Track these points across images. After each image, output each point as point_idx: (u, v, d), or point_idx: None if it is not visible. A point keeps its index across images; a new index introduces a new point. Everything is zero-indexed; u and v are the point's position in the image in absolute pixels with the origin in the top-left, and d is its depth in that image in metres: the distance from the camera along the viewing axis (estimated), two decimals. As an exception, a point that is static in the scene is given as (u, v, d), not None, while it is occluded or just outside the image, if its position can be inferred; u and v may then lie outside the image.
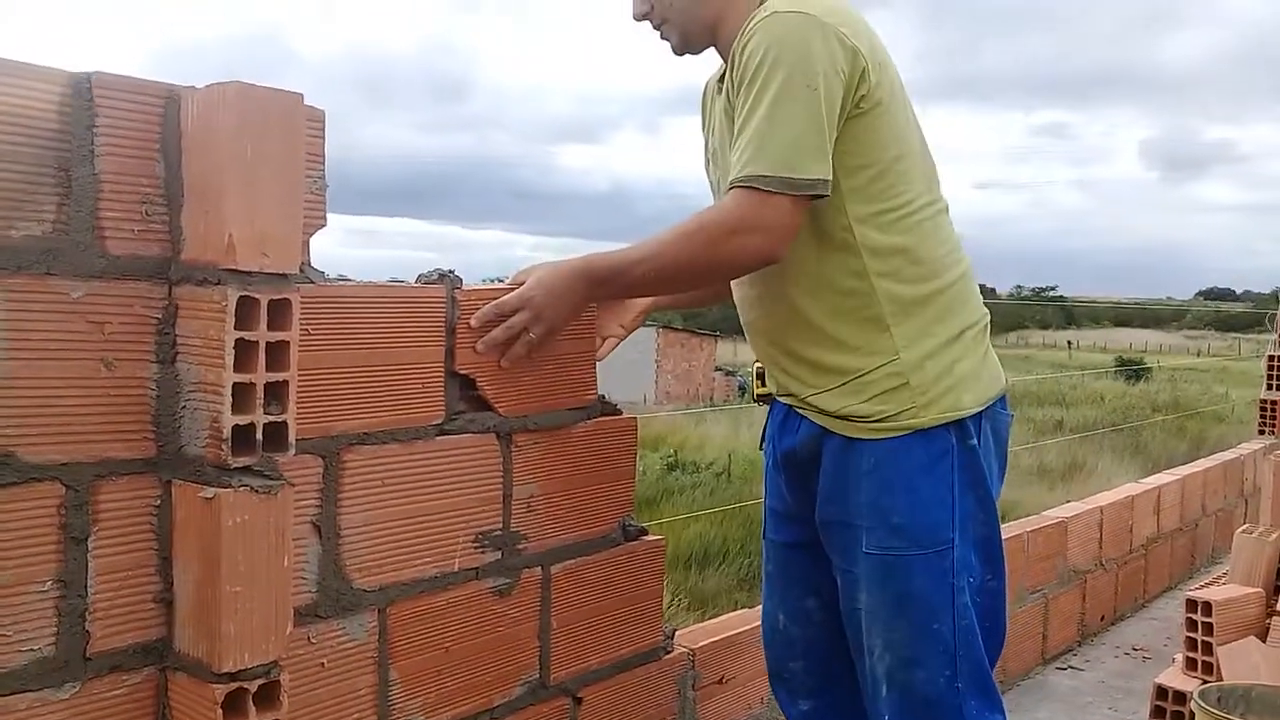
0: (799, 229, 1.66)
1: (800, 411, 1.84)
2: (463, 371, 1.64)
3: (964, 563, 1.76)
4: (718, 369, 31.85)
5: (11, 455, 1.15)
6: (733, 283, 1.91)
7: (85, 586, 1.22)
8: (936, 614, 1.73)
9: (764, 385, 1.98)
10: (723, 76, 1.82)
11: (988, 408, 1.81)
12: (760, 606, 2.03)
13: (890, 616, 1.74)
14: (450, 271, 1.67)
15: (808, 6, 1.63)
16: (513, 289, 1.70)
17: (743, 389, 29.28)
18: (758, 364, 2.00)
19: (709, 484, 14.06)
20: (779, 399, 1.92)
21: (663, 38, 1.82)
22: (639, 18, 1.81)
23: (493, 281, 1.81)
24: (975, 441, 1.78)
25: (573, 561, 1.85)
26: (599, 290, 1.73)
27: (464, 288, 1.65)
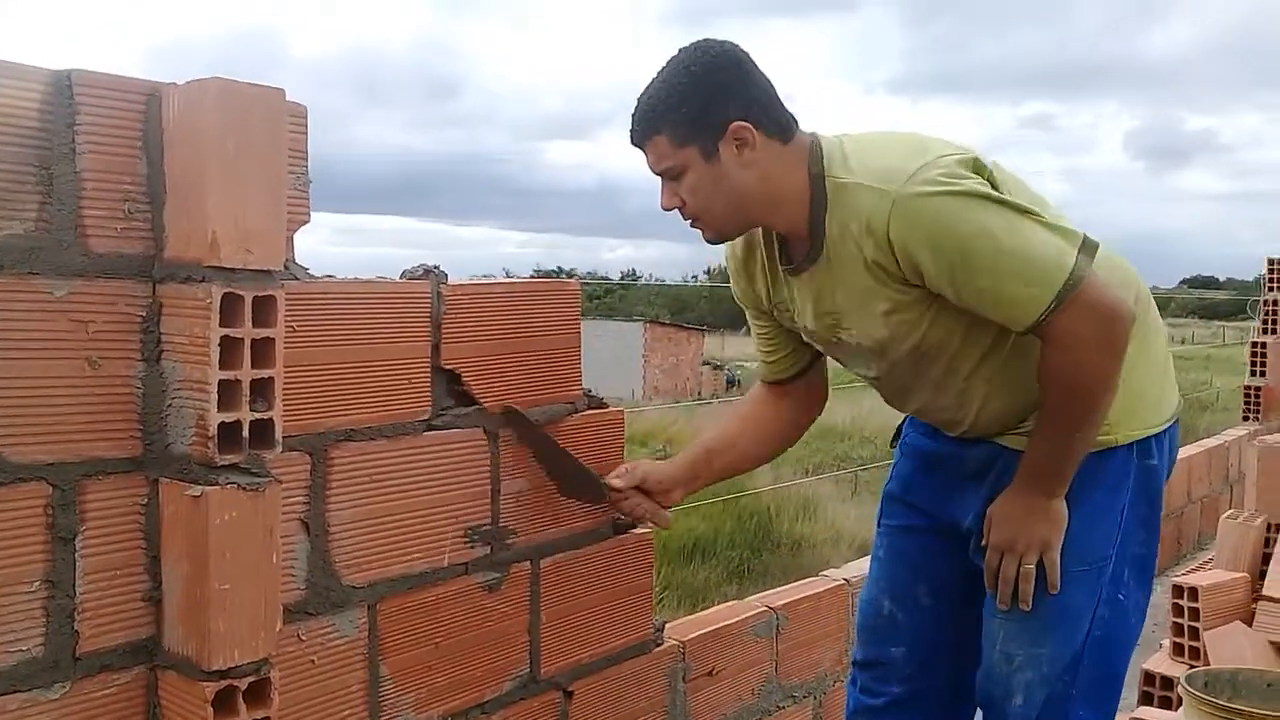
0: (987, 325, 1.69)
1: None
2: (449, 367, 1.64)
3: (1116, 577, 1.80)
4: (705, 363, 31.84)
5: (-3, 455, 1.15)
6: (877, 380, 1.88)
7: (73, 586, 1.22)
8: (1079, 627, 1.78)
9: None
10: (778, 246, 1.80)
11: (1169, 426, 1.83)
12: (749, 599, 2.03)
13: (1039, 629, 1.77)
14: (435, 267, 1.67)
15: (908, 166, 1.60)
16: (500, 284, 1.71)
17: (730, 382, 29.30)
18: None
19: (698, 478, 14.03)
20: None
21: (694, 228, 1.75)
22: (667, 208, 1.73)
23: (482, 278, 1.81)
24: (1154, 461, 1.81)
25: (562, 555, 1.86)
26: (1057, 489, 1.71)
27: (449, 283, 1.65)
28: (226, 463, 1.22)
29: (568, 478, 1.83)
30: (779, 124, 1.68)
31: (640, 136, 1.69)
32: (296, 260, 1.44)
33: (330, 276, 1.52)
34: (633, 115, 1.69)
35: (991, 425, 1.81)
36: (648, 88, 1.68)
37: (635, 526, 2.00)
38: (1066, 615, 1.77)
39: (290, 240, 1.40)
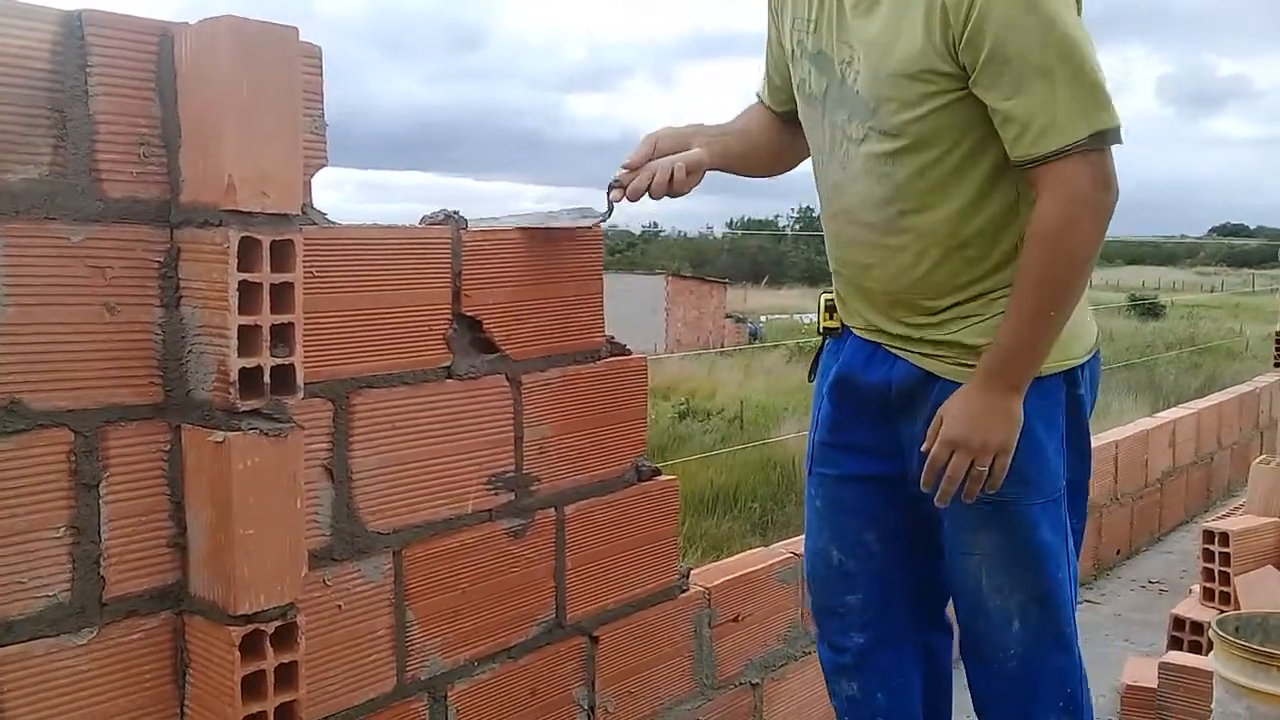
0: (966, 174, 1.65)
1: (895, 350, 1.80)
2: (469, 314, 1.63)
3: (1068, 508, 1.81)
4: (728, 316, 31.78)
5: (18, 402, 1.15)
6: (827, 210, 1.82)
7: (98, 532, 1.22)
8: (1059, 560, 1.79)
9: (831, 318, 1.92)
10: None
11: (1091, 357, 1.82)
12: (775, 545, 2.02)
13: (1019, 560, 1.78)
14: (455, 212, 1.65)
15: None
16: (520, 230, 1.69)
17: (753, 334, 29.25)
18: (827, 295, 1.93)
19: (721, 430, 14.08)
20: (858, 333, 1.86)
21: None
22: None
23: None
24: (1081, 390, 1.79)
25: (586, 502, 1.85)
26: (1022, 381, 1.66)
27: (470, 228, 1.63)
28: (248, 408, 1.22)
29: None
30: None
31: None
32: (315, 206, 1.42)
33: (350, 225, 1.50)
34: None
35: (917, 293, 1.74)
36: None
37: (659, 474, 1.99)
38: (1041, 546, 1.77)
39: (308, 184, 1.38)
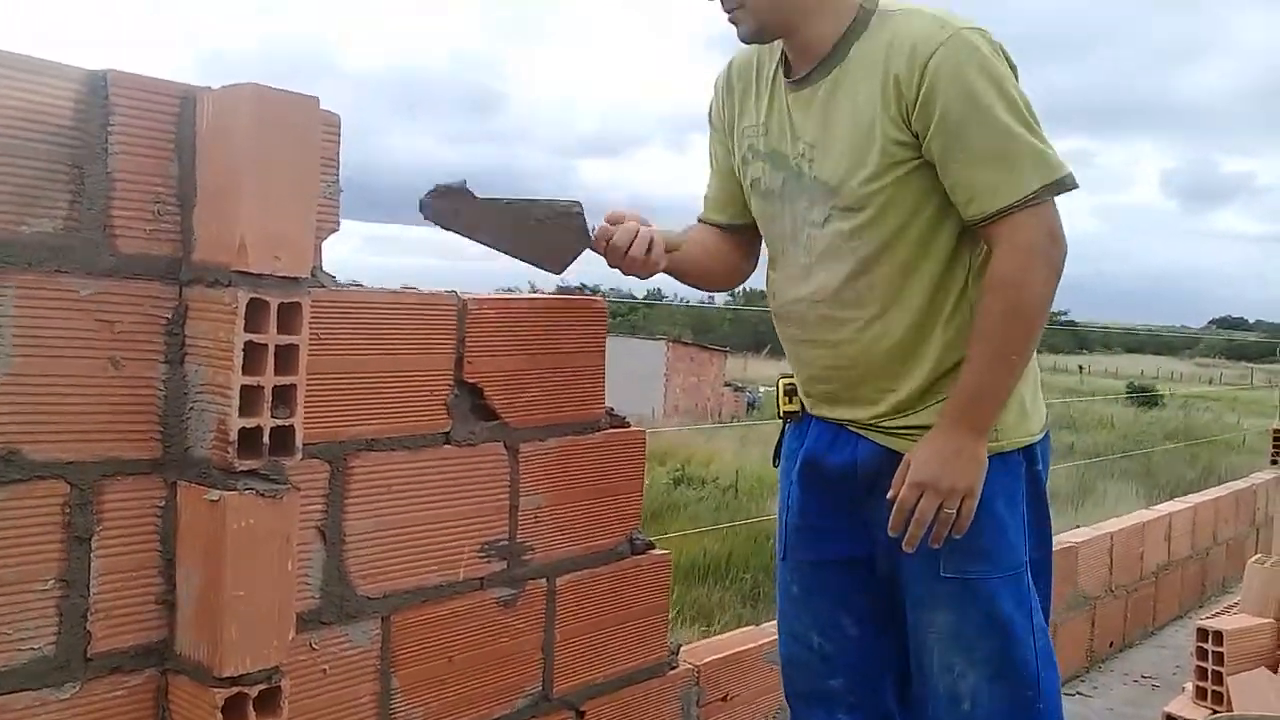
0: (930, 244, 1.70)
1: (859, 432, 1.82)
2: (471, 380, 1.64)
3: (1031, 585, 1.82)
4: (727, 384, 31.79)
5: (16, 452, 1.15)
6: (787, 299, 1.85)
7: (87, 586, 1.21)
8: (1020, 638, 1.78)
9: (791, 402, 1.95)
10: (786, 62, 1.79)
11: (1045, 435, 1.85)
12: (765, 625, 2.01)
13: (975, 638, 1.77)
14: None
15: (972, 22, 1.66)
16: (525, 299, 1.70)
17: (751, 405, 29.22)
18: (786, 379, 1.96)
19: (715, 499, 14.00)
20: (819, 418, 1.89)
21: (732, 21, 1.73)
22: None
23: (506, 292, 1.80)
24: (1040, 466, 1.83)
25: (579, 574, 1.84)
26: (985, 425, 1.70)
27: (475, 296, 1.65)
28: (246, 468, 1.22)
29: (531, 234, 1.67)
30: None
31: None
32: (325, 267, 1.44)
33: (357, 284, 1.51)
34: None
35: (882, 369, 1.77)
36: None
37: (653, 547, 1.98)
38: (999, 623, 1.77)
39: (319, 247, 1.40)
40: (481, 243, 1.64)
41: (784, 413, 1.97)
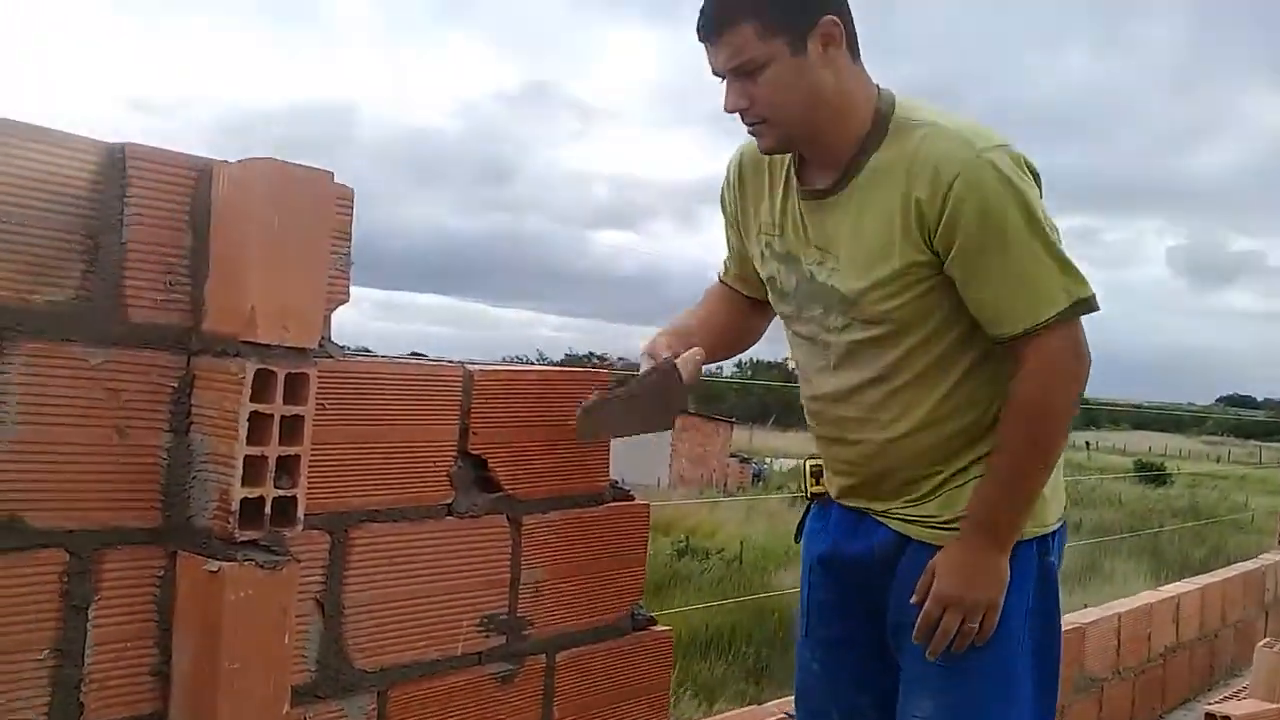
0: (950, 356, 1.71)
1: (878, 518, 1.83)
2: (475, 452, 1.63)
3: (1026, 673, 1.79)
4: (733, 455, 31.68)
5: (18, 520, 1.14)
6: (810, 393, 1.87)
7: (82, 656, 1.20)
8: None
9: (818, 484, 1.97)
10: (798, 160, 1.79)
11: (1061, 526, 1.85)
12: (769, 703, 2.01)
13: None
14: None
15: (993, 138, 1.65)
16: (533, 371, 1.71)
17: (757, 476, 29.09)
18: (813, 461, 1.97)
19: (719, 570, 13.88)
20: (842, 504, 1.90)
21: (754, 133, 1.71)
22: (732, 110, 1.68)
23: (513, 361, 1.81)
24: (1053, 558, 1.82)
25: (579, 649, 1.82)
26: (1009, 539, 1.71)
27: (481, 367, 1.65)
28: (246, 539, 1.21)
29: (646, 406, 1.73)
30: (854, 35, 1.65)
31: (720, 25, 1.59)
32: (333, 335, 1.44)
33: (365, 350, 1.52)
34: (708, 3, 1.60)
35: (900, 468, 1.77)
36: None
37: (655, 623, 1.96)
38: (978, 707, 1.76)
39: (328, 318, 1.41)
40: (628, 435, 1.74)
41: (810, 494, 1.99)
